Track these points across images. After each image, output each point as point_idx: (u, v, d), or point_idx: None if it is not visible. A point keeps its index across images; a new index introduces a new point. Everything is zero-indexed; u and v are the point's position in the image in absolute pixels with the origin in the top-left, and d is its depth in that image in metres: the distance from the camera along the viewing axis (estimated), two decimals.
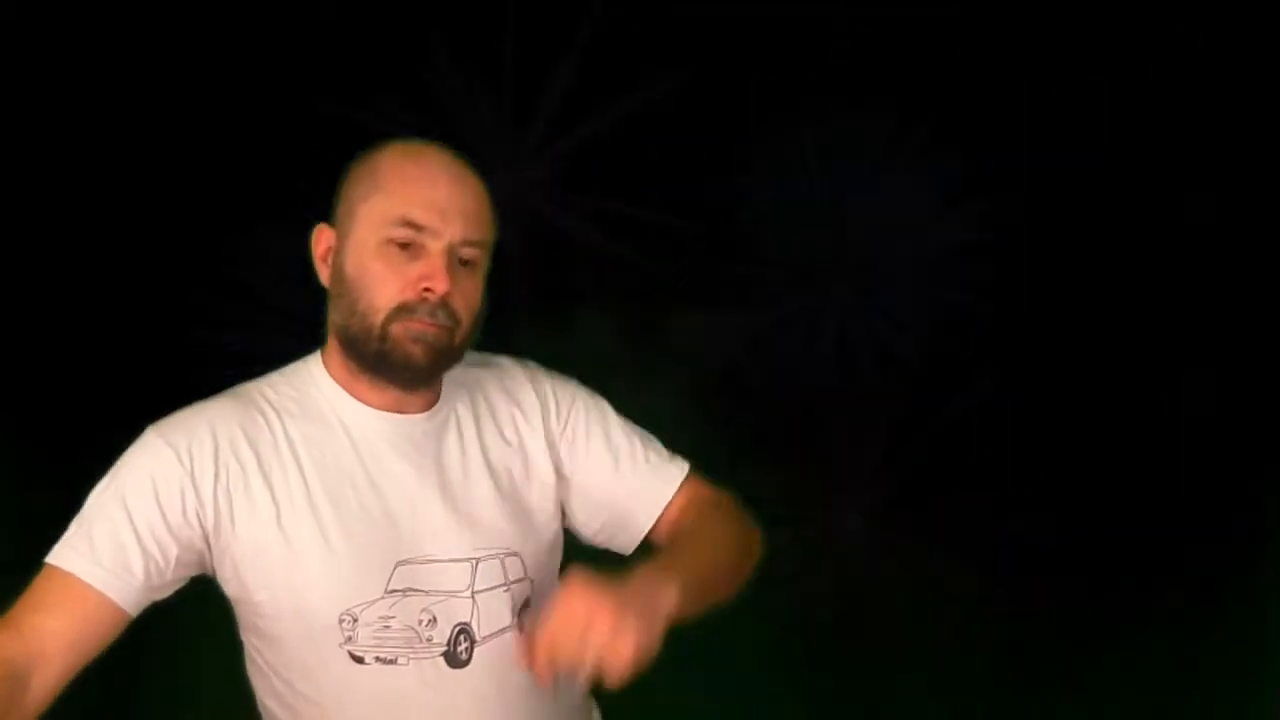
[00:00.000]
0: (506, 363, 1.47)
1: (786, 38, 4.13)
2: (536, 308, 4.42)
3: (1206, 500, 4.20)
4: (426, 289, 1.23)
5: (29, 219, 3.77)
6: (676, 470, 1.46)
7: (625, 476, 1.42)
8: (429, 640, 1.25)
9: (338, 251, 1.30)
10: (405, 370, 1.26)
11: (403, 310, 1.23)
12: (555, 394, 1.43)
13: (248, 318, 4.32)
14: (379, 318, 1.24)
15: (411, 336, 1.24)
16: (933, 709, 4.29)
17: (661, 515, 1.42)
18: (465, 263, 1.27)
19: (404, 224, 1.24)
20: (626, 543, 1.45)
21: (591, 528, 1.43)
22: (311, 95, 3.90)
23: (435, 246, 1.24)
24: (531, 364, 1.48)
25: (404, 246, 1.24)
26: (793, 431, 4.56)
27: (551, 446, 1.39)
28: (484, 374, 1.42)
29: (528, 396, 1.41)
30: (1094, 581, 4.22)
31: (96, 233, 3.87)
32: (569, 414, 1.42)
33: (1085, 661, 4.29)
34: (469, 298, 1.27)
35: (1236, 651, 4.05)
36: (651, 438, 1.47)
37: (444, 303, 1.24)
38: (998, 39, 4.10)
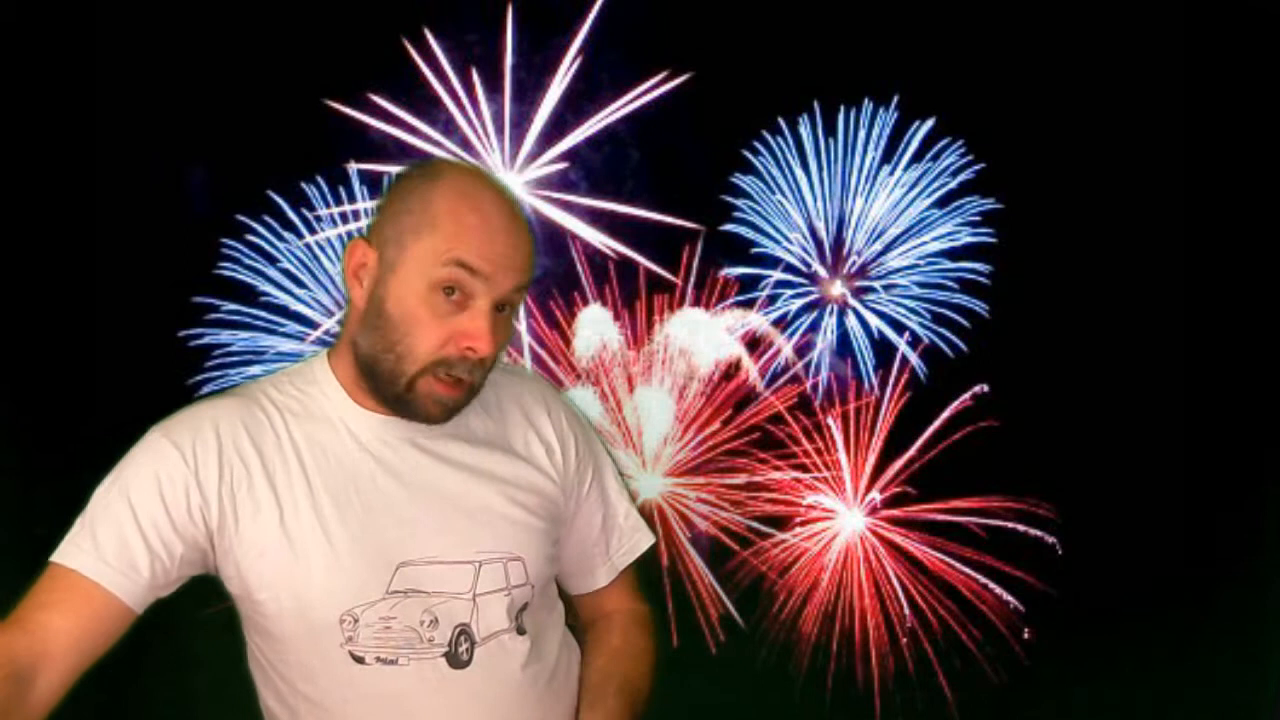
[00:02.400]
0: (527, 381, 1.45)
1: (787, 38, 4.13)
2: (536, 307, 4.43)
3: (1207, 500, 4.20)
4: (469, 348, 1.21)
5: (29, 219, 3.77)
6: (644, 540, 1.50)
7: (605, 535, 1.46)
8: (430, 641, 1.24)
9: (378, 279, 1.24)
10: (419, 419, 1.26)
11: (440, 364, 1.22)
12: (573, 435, 1.41)
13: (248, 318, 4.33)
14: (414, 367, 1.22)
15: (434, 399, 1.23)
16: (935, 704, 4.29)
17: (615, 580, 1.47)
18: (501, 309, 1.25)
19: (459, 266, 1.20)
20: (576, 586, 1.48)
21: (556, 565, 1.43)
22: (311, 95, 3.90)
23: (483, 303, 1.21)
24: (551, 390, 1.46)
25: (450, 294, 1.21)
26: (792, 432, 4.56)
27: (559, 478, 1.39)
28: (502, 383, 1.39)
29: (544, 425, 1.39)
30: (1094, 580, 4.22)
31: (96, 233, 3.87)
32: (579, 461, 1.41)
33: (1086, 660, 4.29)
34: (502, 341, 1.27)
35: (1237, 649, 4.05)
36: (631, 495, 1.52)
37: (481, 360, 1.23)
38: (998, 39, 4.09)
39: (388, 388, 1.24)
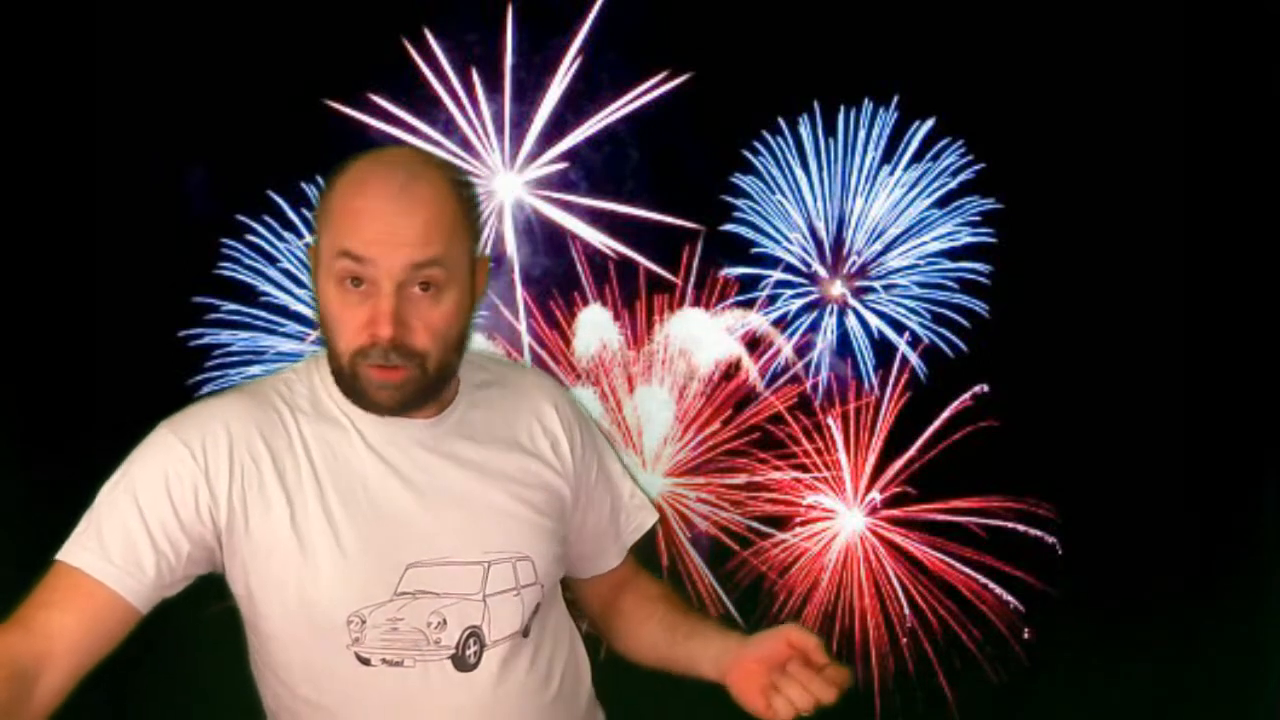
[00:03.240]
0: (530, 375, 1.47)
1: (787, 38, 4.13)
2: (536, 307, 4.43)
3: (1207, 500, 4.20)
4: (372, 334, 1.18)
5: (29, 219, 3.77)
6: (649, 517, 1.51)
7: (614, 520, 1.47)
8: (437, 643, 1.23)
9: (314, 281, 1.26)
10: (378, 409, 1.23)
11: (359, 355, 1.19)
12: (576, 426, 1.41)
13: (248, 318, 4.33)
14: (344, 361, 1.21)
15: (374, 384, 1.20)
16: (935, 704, 4.29)
17: (622, 562, 1.50)
18: (426, 286, 1.19)
19: (346, 256, 1.17)
20: (587, 569, 1.48)
21: (569, 552, 1.43)
22: (311, 95, 3.90)
23: (382, 281, 1.17)
24: (554, 383, 1.46)
25: (356, 285, 1.18)
26: (792, 432, 4.56)
27: (567, 473, 1.39)
28: (509, 377, 1.40)
29: (551, 418, 1.38)
30: (1094, 580, 4.22)
31: (96, 233, 3.87)
32: (583, 450, 1.41)
33: (1086, 660, 4.29)
34: (434, 325, 1.20)
35: (1237, 648, 4.05)
36: (633, 471, 1.54)
37: (396, 345, 1.18)
38: (998, 39, 4.09)
39: (342, 384, 1.24)
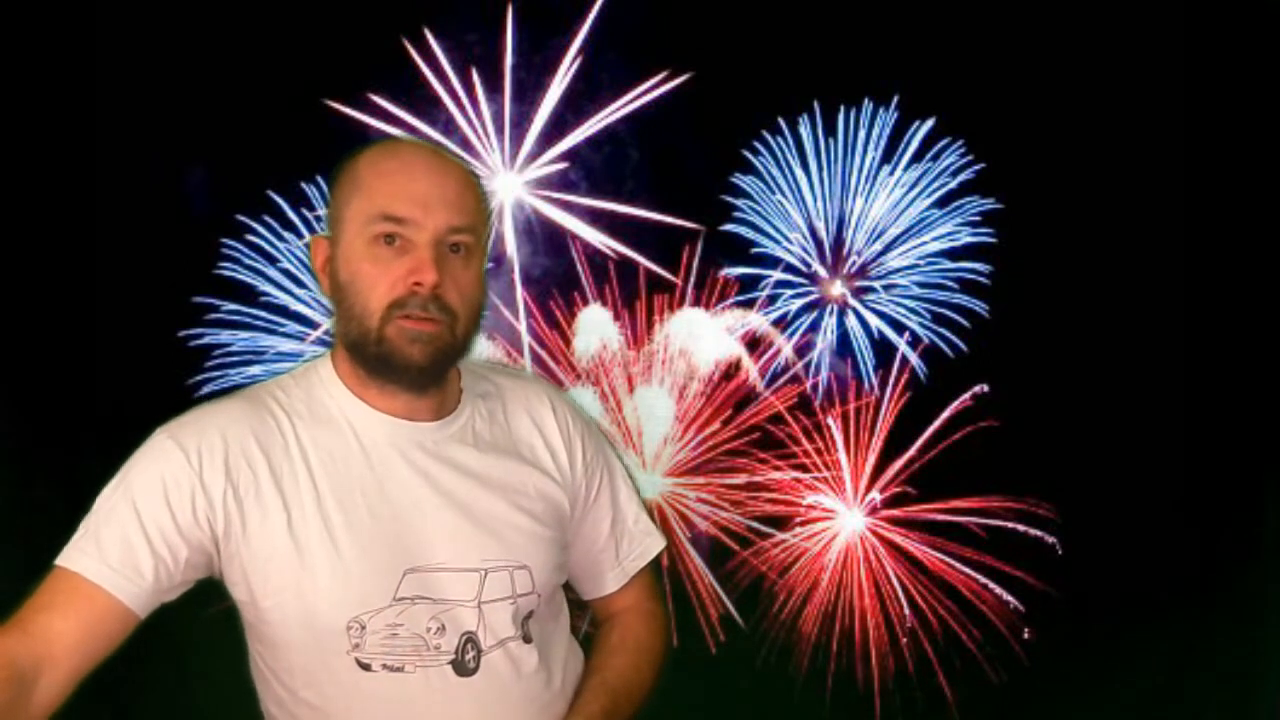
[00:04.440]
0: (531, 383, 1.45)
1: (787, 38, 4.13)
2: (536, 307, 4.43)
3: (1207, 500, 4.20)
4: (416, 283, 1.21)
5: (29, 219, 3.77)
6: (654, 545, 1.50)
7: (614, 539, 1.46)
8: (437, 648, 1.23)
9: (332, 259, 1.27)
10: (407, 371, 1.23)
11: (395, 307, 1.21)
12: (579, 438, 1.41)
13: (248, 318, 4.33)
14: (374, 320, 1.22)
15: (408, 337, 1.22)
16: (935, 704, 4.29)
17: (626, 584, 1.47)
18: (456, 249, 1.24)
19: (385, 219, 1.22)
20: (588, 590, 1.48)
21: (567, 569, 1.43)
22: (311, 95, 3.90)
23: (421, 238, 1.22)
24: (556, 392, 1.45)
25: (390, 243, 1.22)
26: (792, 432, 4.56)
27: (567, 484, 1.38)
28: (508, 387, 1.40)
29: (550, 428, 1.38)
30: (1094, 580, 4.22)
31: (96, 233, 3.87)
32: (586, 464, 1.41)
33: (1086, 660, 4.29)
34: (464, 288, 1.25)
35: (1237, 648, 4.05)
36: (641, 499, 1.52)
37: (435, 295, 1.21)
38: (998, 39, 4.09)
39: (367, 350, 1.23)
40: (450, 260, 1.23)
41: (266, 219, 4.20)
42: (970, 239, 4.52)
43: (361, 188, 1.25)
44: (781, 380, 4.59)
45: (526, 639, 1.30)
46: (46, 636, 1.12)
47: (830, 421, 4.58)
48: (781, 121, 4.45)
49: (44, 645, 1.11)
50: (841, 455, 4.59)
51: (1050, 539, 4.39)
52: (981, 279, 4.48)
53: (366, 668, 1.22)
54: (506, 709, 1.27)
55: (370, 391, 1.27)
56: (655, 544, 1.49)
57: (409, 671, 1.23)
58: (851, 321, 4.65)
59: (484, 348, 4.35)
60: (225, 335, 4.20)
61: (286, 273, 4.28)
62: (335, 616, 1.20)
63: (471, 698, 1.25)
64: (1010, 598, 4.37)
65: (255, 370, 4.22)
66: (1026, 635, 4.35)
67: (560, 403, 1.43)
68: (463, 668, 1.25)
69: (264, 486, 1.21)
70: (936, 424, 4.43)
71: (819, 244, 4.67)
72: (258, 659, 1.29)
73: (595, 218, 4.36)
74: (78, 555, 1.16)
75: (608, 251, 4.37)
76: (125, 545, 1.16)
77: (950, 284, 4.53)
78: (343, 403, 1.27)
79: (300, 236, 4.23)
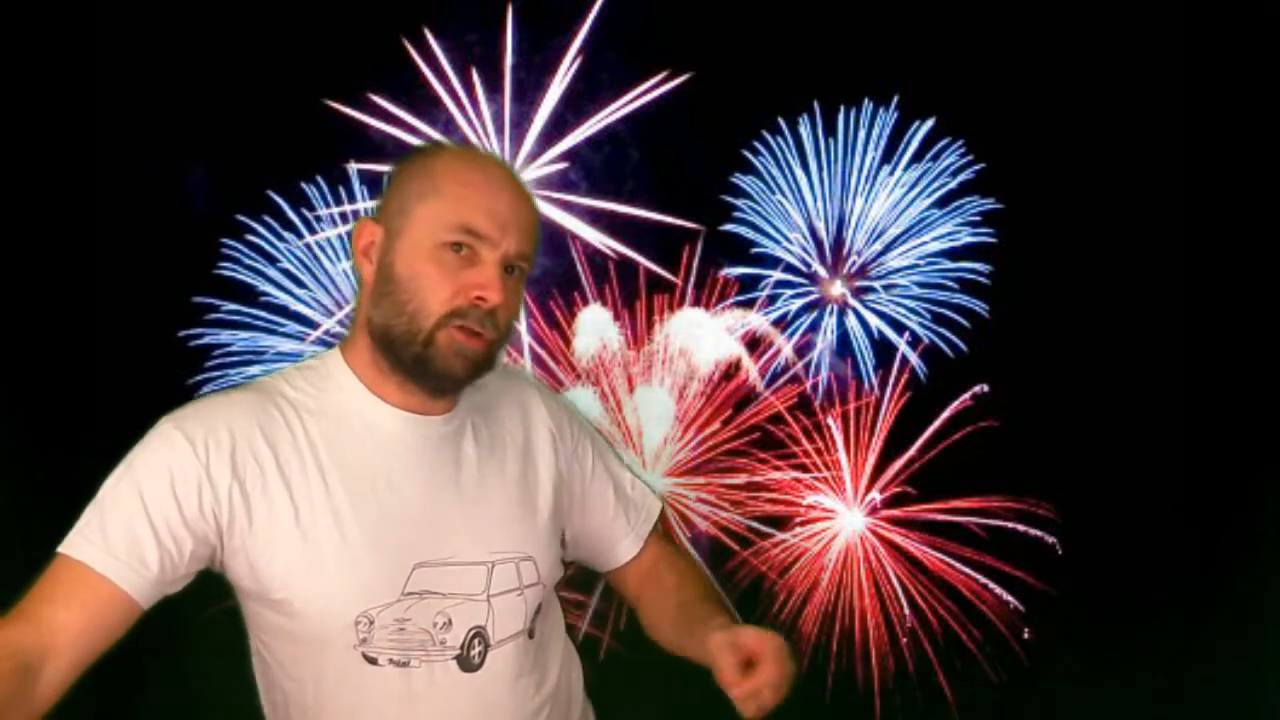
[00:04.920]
0: (518, 378, 1.47)
1: (787, 38, 4.13)
2: (536, 307, 4.43)
3: (1206, 500, 4.20)
4: (479, 297, 1.22)
5: (29, 219, 3.77)
6: (654, 504, 1.53)
7: (621, 506, 1.48)
8: (443, 643, 1.24)
9: (385, 250, 1.26)
10: (443, 379, 1.25)
11: (454, 316, 1.22)
12: (568, 420, 1.44)
13: (248, 318, 4.33)
14: (429, 321, 1.22)
15: (455, 349, 1.23)
16: (935, 704, 4.29)
17: (641, 550, 1.50)
18: (512, 270, 1.27)
19: (463, 230, 1.23)
20: (608, 561, 1.50)
21: (577, 547, 1.44)
22: (311, 95, 3.90)
23: (490, 257, 1.23)
24: (544, 388, 1.48)
25: (458, 251, 1.23)
26: (792, 432, 4.56)
27: (562, 468, 1.39)
28: (505, 384, 1.41)
29: (541, 415, 1.41)
30: (1094, 580, 4.22)
31: (96, 233, 3.87)
32: (577, 441, 1.43)
33: (1085, 660, 4.29)
34: (513, 309, 1.28)
35: (1237, 648, 4.05)
36: (633, 467, 1.56)
37: (493, 312, 1.23)
38: (998, 39, 4.09)
39: (405, 349, 1.24)
40: (507, 280, 1.25)
41: (266, 219, 4.21)
42: (970, 239, 4.52)
43: (442, 192, 1.25)
44: (781, 380, 4.60)
45: (531, 635, 1.30)
46: (51, 626, 1.12)
47: (830, 421, 4.58)
48: (781, 121, 4.46)
49: (48, 635, 1.11)
50: (841, 455, 4.59)
51: (1050, 539, 4.39)
52: (981, 279, 4.48)
53: (373, 662, 1.22)
54: (508, 705, 1.28)
55: (388, 386, 1.27)
56: (655, 503, 1.53)
57: (415, 666, 1.23)
58: (851, 321, 4.65)
59: None
60: (225, 335, 4.20)
61: (286, 273, 4.29)
62: (344, 610, 1.20)
63: (474, 693, 1.26)
64: (1010, 598, 4.37)
65: (255, 370, 4.22)
66: (1026, 635, 4.35)
67: (543, 391, 1.46)
68: (467, 663, 1.25)
69: (271, 481, 1.21)
70: (936, 424, 4.44)
71: (819, 244, 4.67)
72: (261, 651, 1.29)
73: (595, 218, 4.36)
74: (83, 544, 1.16)
75: (608, 251, 4.37)
76: (131, 536, 1.16)
77: (950, 284, 4.54)
78: (355, 396, 1.27)
79: (300, 236, 4.24)
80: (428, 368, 1.24)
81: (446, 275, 1.22)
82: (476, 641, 1.25)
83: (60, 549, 1.17)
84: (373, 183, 4.15)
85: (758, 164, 4.50)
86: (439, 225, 1.23)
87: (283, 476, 1.21)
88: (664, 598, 1.44)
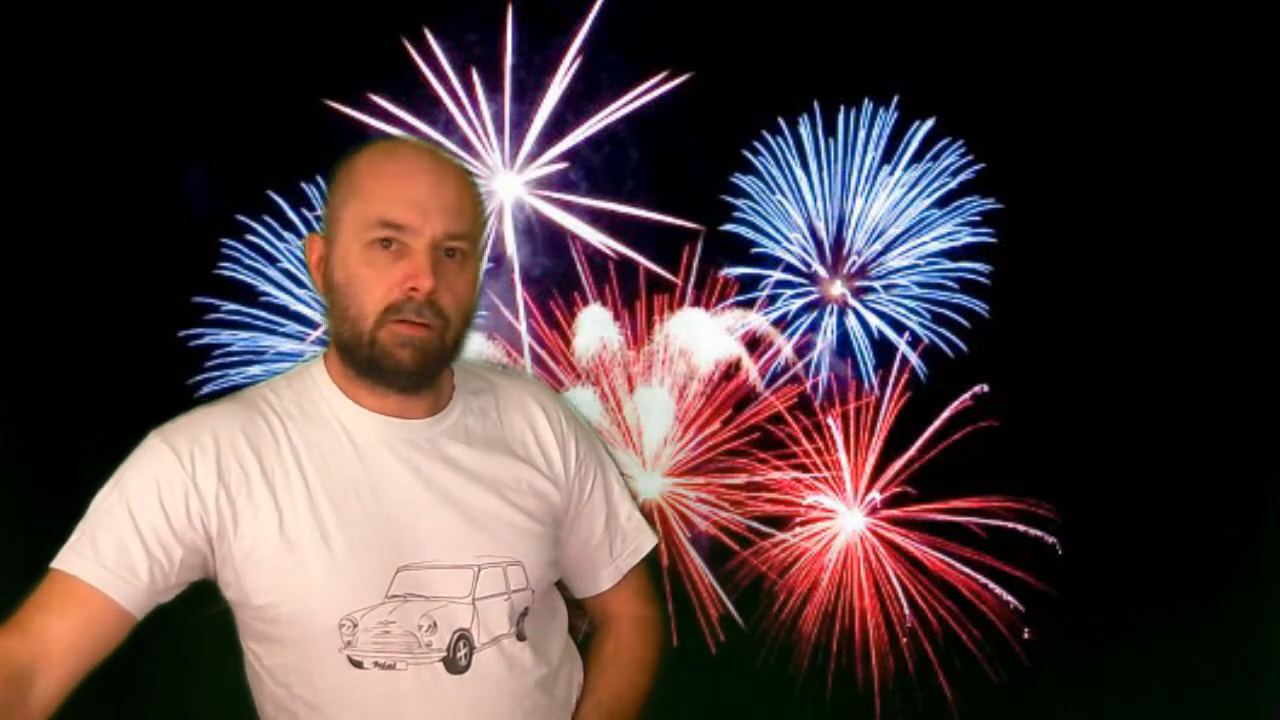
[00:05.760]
0: (525, 383, 1.45)
1: (787, 38, 4.13)
2: (536, 307, 4.43)
3: (1206, 500, 4.20)
4: (412, 288, 1.21)
5: (29, 219, 3.77)
6: (646, 542, 1.49)
7: (608, 536, 1.45)
8: (428, 646, 1.24)
9: (327, 259, 1.27)
10: (395, 374, 1.24)
11: (390, 311, 1.22)
12: (573, 436, 1.41)
13: (248, 318, 4.34)
14: (368, 323, 1.22)
15: (399, 341, 1.22)
16: (935, 704, 4.29)
17: (619, 582, 1.46)
18: (452, 253, 1.25)
19: (383, 224, 1.22)
20: (582, 589, 1.47)
21: (560, 566, 1.43)
22: (311, 95, 3.90)
23: (418, 244, 1.22)
24: (548, 391, 1.46)
25: (388, 247, 1.22)
26: (792, 432, 4.56)
27: (560, 481, 1.38)
28: (502, 385, 1.40)
29: (543, 426, 1.39)
30: (1094, 580, 4.22)
31: (96, 233, 3.87)
32: (579, 462, 1.41)
33: (1085, 660, 4.29)
34: (459, 294, 1.25)
35: (1237, 648, 4.05)
36: (633, 496, 1.53)
37: (430, 301, 1.22)
38: (998, 39, 4.09)
39: (358, 352, 1.24)
40: (446, 264, 1.24)
41: (266, 219, 4.21)
42: (970, 239, 4.52)
43: (359, 191, 1.25)
44: (781, 380, 4.60)
45: (521, 637, 1.30)
46: (44, 637, 1.13)
47: (830, 421, 4.58)
48: (781, 121, 4.46)
49: (41, 646, 1.12)
50: (841, 455, 4.59)
51: (1050, 539, 4.39)
52: (981, 279, 4.49)
53: (359, 665, 1.22)
54: (498, 707, 1.28)
55: (361, 391, 1.28)
56: (648, 540, 1.49)
57: (400, 669, 1.23)
58: (851, 321, 4.65)
59: (484, 348, 4.35)
60: (225, 335, 4.20)
61: (286, 273, 4.29)
62: (328, 615, 1.21)
63: (463, 695, 1.25)
64: (1010, 598, 4.37)
65: (255, 370, 4.23)
66: (1026, 635, 4.35)
67: (553, 402, 1.43)
68: (454, 665, 1.25)
69: (255, 486, 1.22)
70: (936, 424, 4.44)
71: (819, 244, 4.67)
72: (252, 658, 1.29)
73: (595, 218, 4.36)
74: (73, 558, 1.17)
75: (608, 251, 4.37)
76: (120, 547, 1.17)
77: (950, 284, 4.54)
78: (334, 403, 1.28)
79: (300, 236, 4.24)
80: (380, 365, 1.24)
81: (377, 273, 1.22)
82: (462, 644, 1.25)
83: (52, 564, 1.18)
84: None
85: (758, 164, 4.50)
86: (362, 225, 1.23)
87: (267, 483, 1.22)
88: (590, 661, 1.43)
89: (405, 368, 1.23)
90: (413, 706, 1.24)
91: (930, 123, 4.45)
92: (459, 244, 1.25)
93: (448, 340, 1.25)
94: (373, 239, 1.22)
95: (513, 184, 4.35)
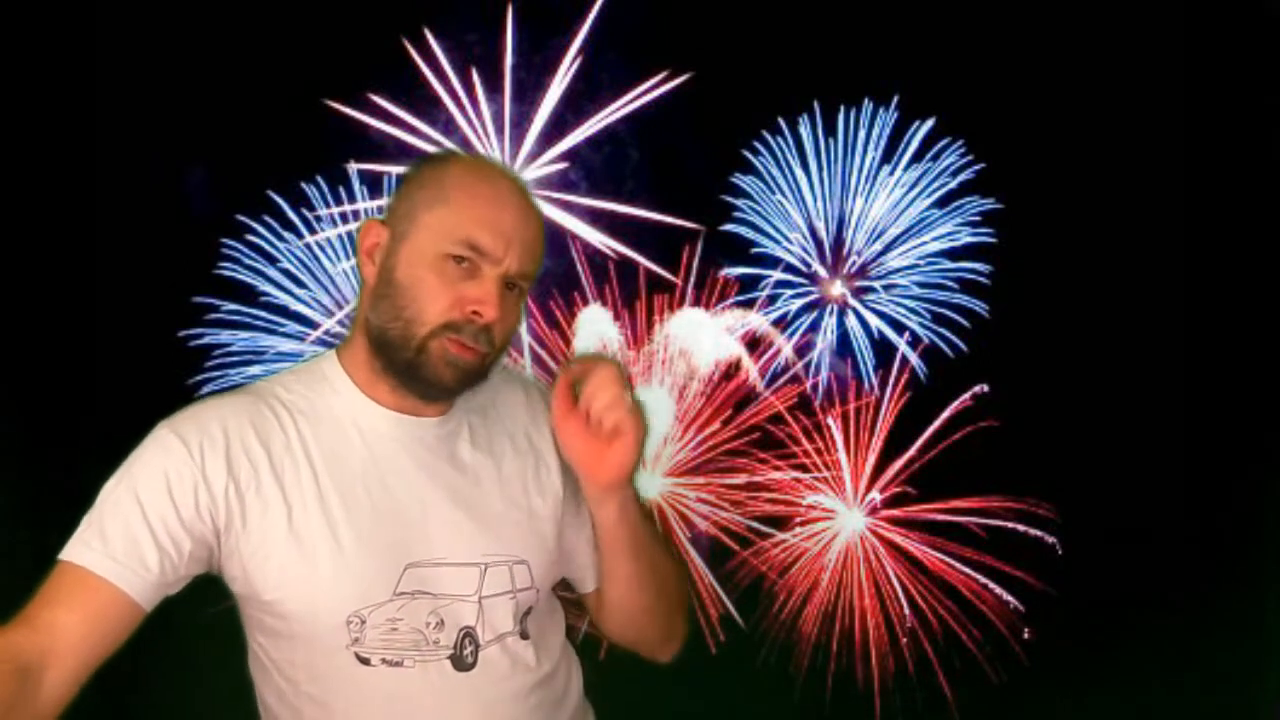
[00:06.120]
0: (526, 383, 1.46)
1: (787, 38, 4.13)
2: (536, 307, 4.43)
3: (1206, 500, 4.20)
4: (475, 312, 1.23)
5: (29, 219, 3.77)
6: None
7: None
8: (435, 643, 1.24)
9: (389, 252, 1.27)
10: (432, 387, 1.25)
11: (449, 328, 1.23)
12: None
13: (248, 318, 4.34)
14: (423, 330, 1.23)
15: (447, 360, 1.23)
16: (935, 704, 4.29)
17: None
18: (512, 287, 1.27)
19: (467, 244, 1.23)
20: (586, 582, 1.45)
21: (564, 564, 1.42)
22: (311, 95, 3.90)
23: (491, 273, 1.24)
24: (543, 388, 1.46)
25: (460, 263, 1.24)
26: (792, 432, 4.56)
27: (561, 479, 1.38)
28: (500, 384, 1.40)
29: (543, 425, 1.39)
30: (1094, 580, 4.22)
31: (96, 233, 3.87)
32: None
33: (1085, 660, 4.29)
34: (509, 326, 1.28)
35: (1237, 648, 4.05)
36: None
37: (487, 328, 1.24)
38: (997, 39, 4.10)
39: (398, 354, 1.24)
40: (507, 296, 1.26)
41: (266, 219, 4.21)
42: (970, 239, 4.52)
43: (449, 201, 1.25)
44: (781, 380, 4.60)
45: (524, 635, 1.30)
46: (52, 631, 1.12)
47: (830, 421, 4.58)
48: (781, 121, 4.46)
49: (50, 639, 1.11)
50: (841, 455, 4.59)
51: (1050, 539, 4.39)
52: (981, 279, 4.49)
53: (366, 662, 1.23)
54: (503, 704, 1.28)
55: (381, 388, 1.28)
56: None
57: (408, 666, 1.23)
58: (851, 321, 4.65)
59: None
60: (225, 335, 4.20)
61: (286, 273, 4.29)
62: (336, 611, 1.21)
63: (469, 692, 1.26)
64: (1010, 598, 4.37)
65: (255, 370, 4.23)
66: (1026, 635, 4.35)
67: (546, 396, 1.44)
68: (461, 662, 1.25)
69: (264, 481, 1.21)
70: (936, 424, 4.44)
71: (819, 244, 4.67)
72: (259, 653, 1.29)
73: (595, 218, 4.36)
74: (82, 549, 1.16)
75: (608, 251, 4.37)
76: (129, 538, 1.16)
77: (950, 284, 4.54)
78: (348, 398, 1.28)
79: (300, 236, 4.24)
80: (418, 374, 1.24)
81: (445, 286, 1.23)
82: (468, 641, 1.26)
83: (60, 556, 1.17)
84: (373, 183, 4.16)
85: (758, 164, 4.50)
86: (443, 235, 1.23)
87: (276, 477, 1.22)
88: None
89: (446, 385, 1.25)
90: (420, 704, 1.24)
91: (930, 123, 4.45)
92: (523, 283, 1.28)
93: (486, 366, 1.28)
94: (451, 253, 1.23)
95: None
